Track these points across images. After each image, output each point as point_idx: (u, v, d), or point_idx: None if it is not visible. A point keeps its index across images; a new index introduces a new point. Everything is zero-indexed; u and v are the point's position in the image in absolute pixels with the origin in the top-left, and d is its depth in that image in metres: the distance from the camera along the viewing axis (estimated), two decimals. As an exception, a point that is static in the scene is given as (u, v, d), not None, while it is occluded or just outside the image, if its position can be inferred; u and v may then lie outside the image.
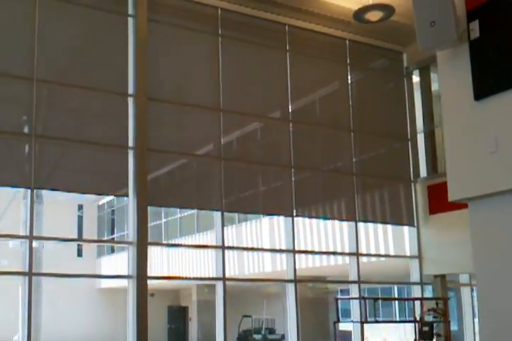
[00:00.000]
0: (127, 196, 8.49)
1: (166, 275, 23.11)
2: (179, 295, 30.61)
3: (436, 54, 6.09)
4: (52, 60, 8.45)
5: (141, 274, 8.18)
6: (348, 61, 10.83)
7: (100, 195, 8.29)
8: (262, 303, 23.61)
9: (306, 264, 16.84)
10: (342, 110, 10.73)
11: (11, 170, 8.09)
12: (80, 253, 30.70)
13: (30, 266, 7.59)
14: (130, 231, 8.43)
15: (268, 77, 10.21)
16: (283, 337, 21.99)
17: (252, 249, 20.34)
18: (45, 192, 13.20)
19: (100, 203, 32.01)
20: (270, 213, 11.76)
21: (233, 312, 24.04)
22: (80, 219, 32.22)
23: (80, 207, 31.91)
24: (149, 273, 8.38)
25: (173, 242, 26.00)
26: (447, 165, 6.00)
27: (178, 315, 30.18)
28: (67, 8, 8.56)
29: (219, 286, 9.04)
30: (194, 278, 19.38)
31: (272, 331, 24.11)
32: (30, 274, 7.62)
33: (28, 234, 7.75)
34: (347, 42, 10.72)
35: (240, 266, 20.23)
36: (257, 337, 23.75)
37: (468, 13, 5.64)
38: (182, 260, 23.58)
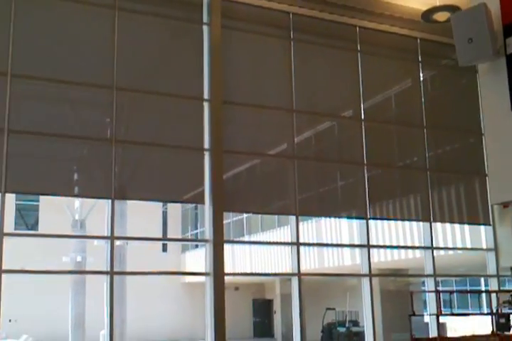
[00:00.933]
0: (203, 203, 8.90)
1: (243, 272, 23.74)
2: (264, 288, 31.14)
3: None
4: (131, 68, 8.98)
5: (217, 271, 8.56)
6: (420, 59, 10.90)
7: (177, 202, 8.70)
8: (345, 296, 23.70)
9: (385, 257, 16.93)
10: (414, 107, 10.80)
11: (94, 181, 8.69)
12: (164, 249, 31.69)
13: (112, 265, 8.16)
14: (207, 230, 8.85)
15: (340, 77, 10.48)
16: (367, 329, 21.95)
17: (327, 244, 20.46)
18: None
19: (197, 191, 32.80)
20: (344, 217, 11.88)
21: (317, 305, 24.39)
22: (165, 214, 33.26)
23: (164, 203, 32.92)
24: (227, 270, 8.71)
25: (254, 237, 26.51)
26: (489, 170, 6.61)
27: (262, 308, 30.65)
28: (145, 19, 9.09)
29: (294, 282, 9.33)
30: (270, 274, 19.76)
31: (355, 323, 24.15)
32: (111, 273, 8.18)
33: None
34: (418, 40, 10.82)
35: (319, 260, 20.44)
36: (341, 329, 23.86)
37: (505, 28, 5.91)
38: (263, 254, 24.05)
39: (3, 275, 7.71)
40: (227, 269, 8.64)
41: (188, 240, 29.85)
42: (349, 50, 10.42)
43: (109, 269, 8.15)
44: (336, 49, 10.35)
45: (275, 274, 19.58)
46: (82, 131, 8.50)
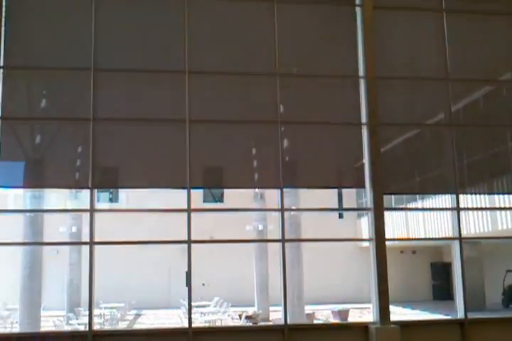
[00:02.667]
0: (364, 187, 9.51)
1: (405, 237, 23.98)
2: (442, 251, 30.92)
3: None
4: (290, 54, 9.77)
5: (379, 237, 9.18)
6: None
7: (337, 187, 9.42)
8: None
9: None
10: None
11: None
12: (341, 215, 32.56)
13: (283, 233, 9.16)
14: (368, 199, 9.47)
15: (494, 42, 10.35)
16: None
17: (486, 208, 19.95)
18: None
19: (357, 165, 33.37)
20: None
21: (497, 267, 23.81)
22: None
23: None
24: (388, 236, 9.27)
25: (412, 205, 26.37)
26: None
27: (441, 272, 30.56)
28: (300, 7, 9.88)
29: (456, 246, 9.62)
30: (432, 239, 19.69)
31: (537, 284, 23.53)
32: (283, 240, 9.18)
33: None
34: None
35: (493, 222, 19.98)
36: (523, 291, 23.38)
37: None
38: (435, 220, 23.91)
39: (193, 245, 9.06)
40: (400, 234, 9.17)
41: (350, 209, 30.33)
42: (505, 14, 10.36)
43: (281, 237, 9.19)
44: (490, 15, 10.36)
45: (438, 239, 19.53)
46: (252, 115, 9.54)
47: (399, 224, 25.73)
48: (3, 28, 9.16)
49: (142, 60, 9.49)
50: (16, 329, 15.80)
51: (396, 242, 24.48)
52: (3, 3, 9.21)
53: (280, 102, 9.51)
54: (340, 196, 32.00)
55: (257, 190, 23.03)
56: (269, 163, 9.47)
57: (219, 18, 9.79)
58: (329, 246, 24.94)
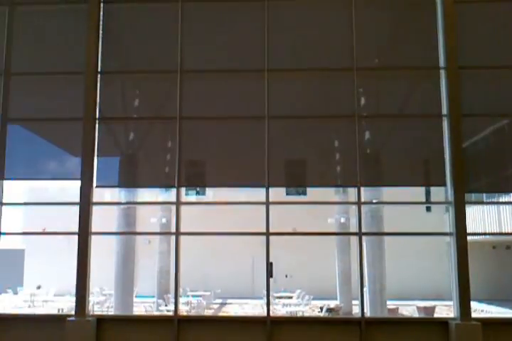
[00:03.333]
0: (444, 185, 9.56)
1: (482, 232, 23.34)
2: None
3: None
4: (369, 46, 9.97)
5: (459, 231, 9.19)
6: None
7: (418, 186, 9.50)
8: None
9: None
10: None
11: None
12: (428, 209, 31.97)
13: (360, 227, 9.37)
14: (448, 194, 9.49)
15: None
16: None
17: None
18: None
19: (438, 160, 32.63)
20: None
21: None
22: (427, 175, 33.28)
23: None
24: (469, 230, 9.30)
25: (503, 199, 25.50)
26: None
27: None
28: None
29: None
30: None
31: None
32: (360, 234, 9.41)
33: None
34: None
35: None
36: None
37: None
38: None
39: (272, 237, 9.44)
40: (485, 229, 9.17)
41: (430, 203, 29.74)
42: None
43: (358, 230, 9.42)
44: None
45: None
46: (331, 110, 9.80)
47: (491, 219, 25.08)
48: (100, 39, 9.98)
49: (224, 61, 10.00)
50: (111, 313, 16.78)
51: (488, 237, 23.89)
52: (101, 18, 10.04)
53: (358, 95, 9.72)
54: (428, 188, 31.40)
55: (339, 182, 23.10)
56: (348, 158, 9.70)
57: (296, 17, 10.12)
58: (415, 240, 24.67)
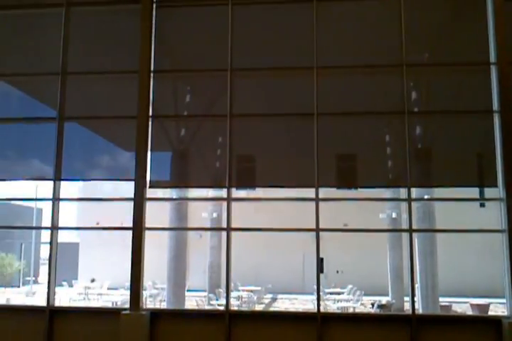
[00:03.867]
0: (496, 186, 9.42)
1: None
2: None
3: None
4: (418, 44, 9.87)
5: (510, 228, 9.03)
6: None
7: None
8: None
9: None
10: None
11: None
12: (482, 204, 31.30)
13: (410, 223, 9.31)
14: (500, 189, 9.34)
15: None
16: None
17: None
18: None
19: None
20: None
21: None
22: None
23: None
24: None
25: None
26: None
27: None
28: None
29: None
30: None
31: None
32: (410, 230, 9.36)
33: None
34: None
35: None
36: None
37: None
38: None
39: (323, 233, 9.49)
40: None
41: (479, 199, 29.05)
42: None
43: (409, 227, 9.38)
44: None
45: None
46: (381, 106, 9.77)
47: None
48: (153, 38, 10.22)
49: (273, 59, 10.09)
50: (164, 306, 17.14)
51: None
52: (153, 20, 10.29)
53: (408, 91, 9.66)
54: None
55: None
56: (398, 155, 9.64)
57: (345, 13, 10.13)
58: (469, 236, 24.26)
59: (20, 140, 11.01)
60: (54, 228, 10.16)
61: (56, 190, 10.23)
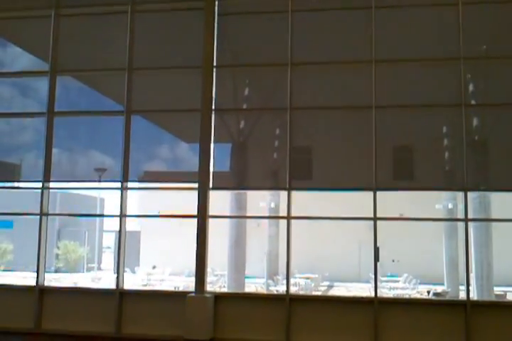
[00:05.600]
0: None
1: None
2: None
3: None
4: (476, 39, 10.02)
5: None
6: None
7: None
8: None
9: None
10: None
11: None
12: (542, 194, 30.68)
13: (466, 213, 9.53)
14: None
15: None
16: None
17: None
18: None
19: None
20: None
21: None
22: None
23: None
24: None
25: None
26: None
27: None
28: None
29: None
30: None
31: None
32: (466, 220, 9.57)
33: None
34: None
35: None
36: None
37: None
38: None
39: (380, 222, 9.79)
40: None
41: None
42: None
43: (464, 217, 9.58)
44: None
45: None
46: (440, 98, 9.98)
47: None
48: (215, 36, 10.67)
49: (331, 52, 10.40)
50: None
51: None
52: (215, 19, 10.73)
53: (466, 83, 9.83)
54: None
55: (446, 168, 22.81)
56: (455, 147, 9.83)
57: (402, 6, 10.33)
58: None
59: (85, 133, 11.72)
60: (122, 216, 10.80)
61: (124, 181, 10.82)
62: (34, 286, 10.88)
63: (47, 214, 11.08)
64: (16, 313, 10.80)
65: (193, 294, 10.12)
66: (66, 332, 10.48)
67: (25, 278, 17.90)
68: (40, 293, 10.83)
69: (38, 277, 10.88)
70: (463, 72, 9.79)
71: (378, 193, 9.82)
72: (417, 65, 10.17)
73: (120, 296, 10.55)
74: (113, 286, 10.70)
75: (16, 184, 13.58)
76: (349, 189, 10.39)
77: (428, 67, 10.17)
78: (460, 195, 10.07)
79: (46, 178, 11.10)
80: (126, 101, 10.97)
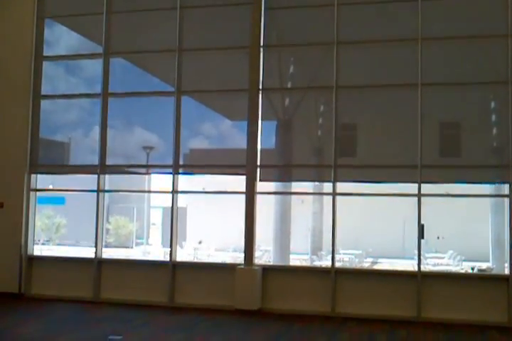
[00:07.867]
0: None
1: None
2: None
3: None
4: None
5: None
6: None
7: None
8: None
9: None
10: None
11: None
12: None
13: (511, 188, 9.61)
14: None
15: None
16: None
17: None
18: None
19: None
20: None
21: None
22: None
23: None
24: None
25: None
26: None
27: None
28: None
29: None
30: None
31: None
32: (511, 196, 9.67)
33: None
34: None
35: None
36: None
37: None
38: None
39: (424, 199, 9.99)
40: None
41: None
42: None
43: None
44: None
45: None
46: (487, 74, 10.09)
47: None
48: (262, 17, 10.91)
49: (377, 31, 10.54)
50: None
51: None
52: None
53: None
54: None
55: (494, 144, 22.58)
56: (503, 124, 9.92)
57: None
58: None
59: (131, 112, 12.18)
60: (175, 192, 11.30)
61: (175, 159, 11.28)
62: (93, 258, 11.51)
63: (103, 191, 11.64)
64: (76, 284, 11.46)
65: (242, 266, 10.57)
66: (124, 301, 11.07)
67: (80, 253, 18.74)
68: (99, 264, 11.46)
69: (96, 249, 11.50)
70: (510, 48, 9.81)
71: (423, 170, 10.00)
72: (464, 42, 10.22)
73: (173, 268, 11.08)
74: (163, 259, 11.21)
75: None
76: (394, 166, 10.48)
77: (474, 44, 10.21)
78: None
79: (102, 158, 11.64)
80: (177, 81, 11.34)
